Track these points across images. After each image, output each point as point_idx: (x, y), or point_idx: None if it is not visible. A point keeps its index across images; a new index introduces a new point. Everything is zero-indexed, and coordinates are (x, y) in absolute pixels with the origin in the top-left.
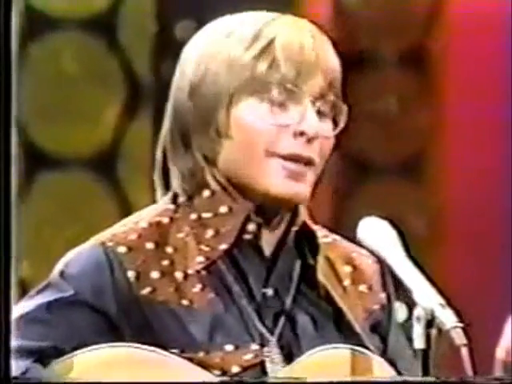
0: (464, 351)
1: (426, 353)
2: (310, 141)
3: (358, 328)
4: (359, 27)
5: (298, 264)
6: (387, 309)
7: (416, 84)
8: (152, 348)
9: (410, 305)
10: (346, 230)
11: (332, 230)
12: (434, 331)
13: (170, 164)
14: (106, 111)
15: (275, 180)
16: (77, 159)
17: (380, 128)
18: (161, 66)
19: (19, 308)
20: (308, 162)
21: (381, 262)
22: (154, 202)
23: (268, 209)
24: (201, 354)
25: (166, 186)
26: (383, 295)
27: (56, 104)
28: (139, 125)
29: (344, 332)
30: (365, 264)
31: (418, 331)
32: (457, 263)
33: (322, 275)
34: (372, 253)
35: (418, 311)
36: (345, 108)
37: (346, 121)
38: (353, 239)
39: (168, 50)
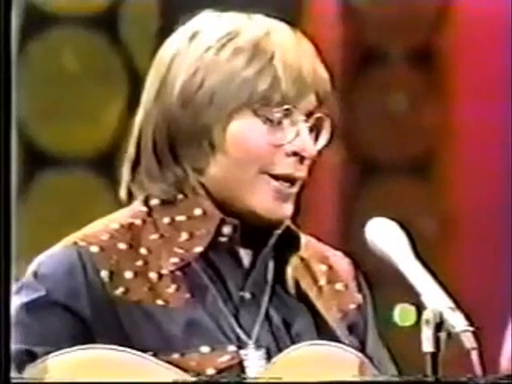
0: (474, 355)
1: (435, 356)
2: (302, 160)
3: (334, 326)
4: (367, 24)
5: (272, 265)
6: (364, 309)
7: (425, 82)
8: (126, 350)
9: (420, 308)
10: (354, 230)
11: (339, 232)
12: (443, 334)
13: (146, 165)
14: (107, 110)
15: (262, 200)
16: (78, 158)
17: (388, 127)
18: None
19: None
20: (295, 182)
21: (355, 263)
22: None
23: (244, 217)
24: (176, 356)
25: (131, 187)
26: (359, 295)
27: (57, 102)
28: None
29: (320, 331)
30: (340, 264)
31: (426, 334)
32: (467, 265)
33: (297, 275)
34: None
35: (426, 314)
36: (329, 123)
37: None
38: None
39: None
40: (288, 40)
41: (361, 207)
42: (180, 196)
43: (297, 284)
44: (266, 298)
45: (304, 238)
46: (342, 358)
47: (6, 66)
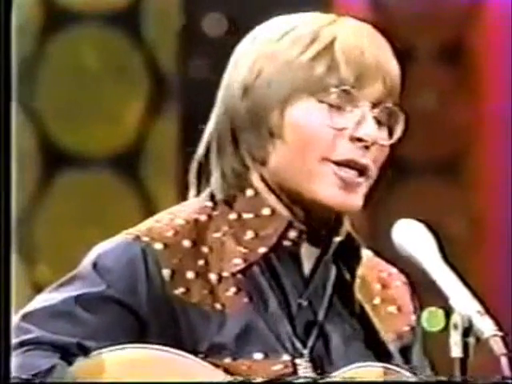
0: (504, 361)
1: (463, 362)
2: (367, 147)
3: (389, 347)
4: (396, 21)
5: (333, 276)
6: (417, 330)
7: (454, 80)
8: (176, 351)
9: (448, 312)
10: (381, 232)
11: (366, 233)
12: (471, 340)
13: (213, 162)
14: (129, 109)
15: (326, 188)
16: (99, 158)
17: (417, 126)
18: (187, 62)
19: (43, 299)
20: (363, 171)
21: (411, 282)
22: (178, 201)
23: (312, 217)
24: (227, 360)
25: (199, 185)
26: (413, 317)
27: (77, 101)
28: (164, 123)
29: (375, 350)
30: (394, 285)
31: (455, 339)
32: (496, 268)
33: (355, 290)
34: (402, 270)
35: (455, 318)
36: (402, 116)
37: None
38: (382, 246)
39: (194, 44)
40: (353, 27)
41: (387, 208)
42: (250, 193)
43: (357, 300)
44: (323, 308)
45: (363, 252)
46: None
47: (5, 65)
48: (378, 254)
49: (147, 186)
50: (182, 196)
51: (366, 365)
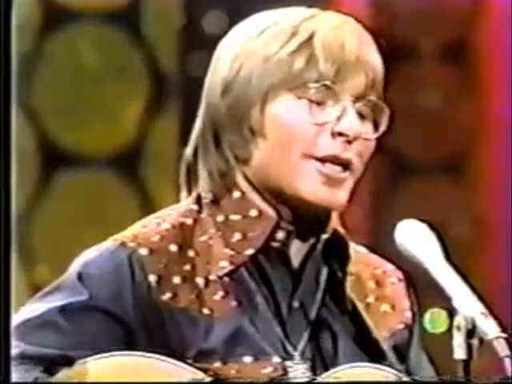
0: (508, 363)
1: (467, 364)
2: (349, 142)
3: (384, 346)
4: (398, 18)
5: (324, 275)
6: (411, 328)
7: (458, 79)
8: (164, 358)
9: (451, 313)
10: (383, 232)
11: (368, 233)
12: (475, 341)
13: (200, 164)
14: (128, 108)
15: (309, 185)
16: (98, 158)
17: (420, 125)
18: (187, 60)
19: (27, 310)
20: (346, 166)
21: (407, 278)
22: (178, 202)
23: (299, 216)
24: (217, 364)
25: (189, 186)
26: (408, 314)
27: (77, 100)
28: (164, 122)
29: (368, 350)
30: (389, 282)
31: (458, 341)
32: (500, 269)
33: (347, 288)
34: (398, 266)
35: (458, 320)
36: (386, 110)
37: (388, 123)
38: (385, 247)
39: (195, 42)
40: (334, 20)
41: (390, 208)
42: (237, 194)
43: (349, 298)
44: (315, 309)
45: (354, 249)
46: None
47: (5, 66)
48: (372, 250)
49: (147, 185)
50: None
51: (358, 365)
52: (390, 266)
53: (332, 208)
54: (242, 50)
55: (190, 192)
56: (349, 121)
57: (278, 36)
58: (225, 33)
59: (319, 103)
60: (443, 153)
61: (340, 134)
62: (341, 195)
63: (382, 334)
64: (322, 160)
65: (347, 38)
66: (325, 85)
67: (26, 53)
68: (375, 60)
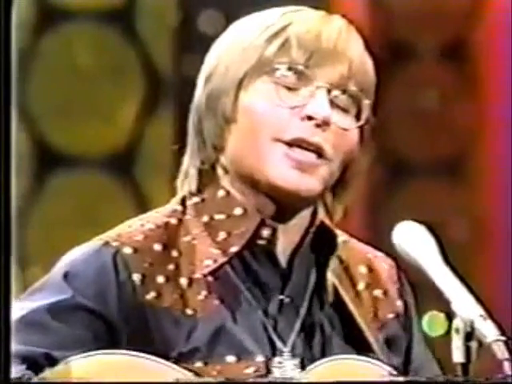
0: (507, 366)
1: (465, 367)
2: (318, 126)
3: (370, 338)
4: (396, 18)
5: (313, 269)
6: (403, 320)
7: (457, 79)
8: (147, 356)
9: (450, 316)
10: (381, 234)
11: (366, 235)
12: (474, 344)
13: (188, 161)
14: (123, 108)
15: (278, 170)
16: (92, 159)
17: (419, 126)
18: (182, 60)
19: (14, 309)
20: (318, 152)
21: (397, 265)
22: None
23: (284, 212)
24: (198, 364)
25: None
26: (399, 303)
27: (70, 100)
28: (159, 122)
29: (355, 341)
30: (381, 267)
31: (457, 344)
32: (499, 271)
33: (336, 279)
34: (388, 254)
35: (456, 322)
36: (366, 102)
37: (374, 117)
38: (382, 249)
39: (190, 42)
40: (313, 15)
41: (388, 209)
42: (221, 193)
43: (335, 290)
44: (305, 304)
45: (343, 238)
46: (375, 374)
47: (5, 66)
48: (361, 241)
49: (141, 186)
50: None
51: (342, 357)
52: (380, 253)
53: (301, 194)
54: (223, 44)
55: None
56: (318, 104)
57: (257, 27)
58: (220, 33)
59: (292, 89)
60: (441, 154)
61: (309, 118)
62: (311, 182)
63: (371, 325)
64: (290, 144)
65: (325, 28)
66: (295, 69)
67: (21, 52)
68: (357, 53)
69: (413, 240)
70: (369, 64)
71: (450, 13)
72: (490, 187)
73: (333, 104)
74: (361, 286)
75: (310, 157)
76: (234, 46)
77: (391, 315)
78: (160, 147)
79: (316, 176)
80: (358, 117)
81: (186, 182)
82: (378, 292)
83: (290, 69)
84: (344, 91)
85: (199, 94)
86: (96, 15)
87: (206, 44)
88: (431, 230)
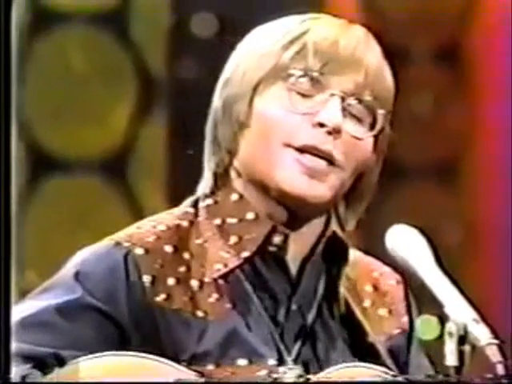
0: (500, 369)
1: (459, 370)
2: (330, 133)
3: (380, 349)
4: (390, 21)
5: (323, 279)
6: (408, 334)
7: (451, 82)
8: (157, 358)
9: (443, 319)
10: (374, 237)
11: (359, 238)
12: (467, 348)
13: (205, 164)
14: (116, 111)
15: (288, 175)
16: (86, 162)
17: (412, 129)
18: (176, 63)
19: (22, 308)
20: (328, 160)
21: (405, 281)
22: (166, 204)
23: (296, 219)
24: (210, 367)
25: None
26: (405, 319)
27: (64, 104)
28: (152, 125)
29: (364, 354)
30: (387, 285)
31: (450, 347)
32: (492, 275)
33: (344, 292)
34: (396, 268)
35: (450, 326)
36: (381, 112)
37: (391, 128)
38: (375, 253)
39: (183, 45)
40: (331, 22)
41: (381, 213)
42: (235, 197)
43: (345, 302)
44: (313, 313)
45: (352, 253)
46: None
47: (5, 66)
48: (369, 254)
49: (136, 190)
50: (171, 199)
51: (351, 365)
52: (387, 269)
53: (308, 200)
54: (242, 51)
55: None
56: (330, 112)
57: (275, 34)
58: (213, 35)
59: (306, 95)
60: (435, 157)
61: (320, 125)
62: (320, 188)
63: (378, 338)
64: (301, 150)
65: (343, 36)
66: (310, 76)
67: (13, 55)
68: (374, 61)
69: (406, 244)
70: (387, 74)
71: (443, 16)
72: (484, 191)
73: (346, 112)
74: (367, 303)
75: (321, 163)
76: (252, 51)
77: (397, 331)
78: (153, 150)
79: (326, 183)
80: (372, 126)
81: (201, 184)
82: (382, 311)
83: (304, 75)
84: (359, 100)
85: (216, 99)
86: (89, 18)
87: (199, 47)
88: (424, 233)
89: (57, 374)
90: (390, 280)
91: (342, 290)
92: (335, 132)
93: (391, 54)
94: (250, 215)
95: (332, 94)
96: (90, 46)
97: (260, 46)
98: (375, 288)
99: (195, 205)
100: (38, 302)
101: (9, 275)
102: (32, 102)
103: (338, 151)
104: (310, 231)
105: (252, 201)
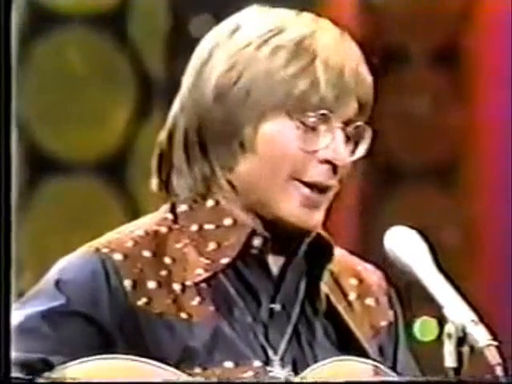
0: (499, 370)
1: (457, 372)
2: (335, 169)
3: (365, 344)
4: (388, 23)
5: (305, 278)
6: (394, 328)
7: (448, 84)
8: (146, 360)
9: (441, 321)
10: (373, 239)
11: (357, 240)
12: (466, 349)
13: (176, 158)
14: (115, 112)
15: (291, 207)
16: (84, 164)
17: (411, 131)
18: (174, 65)
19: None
20: (326, 191)
21: (387, 278)
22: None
23: (276, 225)
24: (197, 370)
25: (160, 174)
26: (390, 312)
27: (62, 105)
28: (151, 127)
29: (350, 349)
30: (371, 278)
31: (448, 349)
32: (491, 277)
33: (327, 289)
34: (378, 266)
35: (448, 327)
36: (369, 133)
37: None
38: (374, 254)
39: (182, 47)
40: (333, 41)
41: (380, 215)
42: (211, 203)
43: (327, 299)
44: (296, 312)
45: (336, 251)
46: (368, 374)
47: (6, 67)
48: (352, 252)
49: (134, 191)
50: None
51: (337, 359)
52: (369, 266)
53: (307, 228)
54: (241, 57)
55: (161, 180)
56: (338, 149)
57: (280, 52)
58: None
59: (313, 128)
60: (433, 158)
61: (327, 162)
62: (317, 216)
63: (365, 334)
64: (307, 184)
65: (346, 60)
66: (323, 114)
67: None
68: (368, 82)
69: (404, 245)
70: (371, 90)
71: (441, 16)
72: (482, 192)
73: (345, 139)
74: (352, 296)
75: (319, 194)
76: (256, 66)
77: (384, 323)
78: (152, 152)
79: (320, 210)
80: (357, 144)
81: (178, 187)
82: (369, 300)
83: (317, 108)
84: (354, 126)
85: (207, 102)
86: (88, 20)
87: (196, 48)
88: (423, 235)
89: (46, 379)
90: (373, 275)
91: (325, 289)
92: (341, 169)
93: (389, 55)
94: (228, 221)
95: (337, 128)
96: (89, 47)
97: (265, 63)
98: (360, 280)
99: (173, 210)
100: (24, 310)
101: (9, 276)
102: (30, 103)
103: (336, 182)
104: (291, 234)
105: (232, 207)
